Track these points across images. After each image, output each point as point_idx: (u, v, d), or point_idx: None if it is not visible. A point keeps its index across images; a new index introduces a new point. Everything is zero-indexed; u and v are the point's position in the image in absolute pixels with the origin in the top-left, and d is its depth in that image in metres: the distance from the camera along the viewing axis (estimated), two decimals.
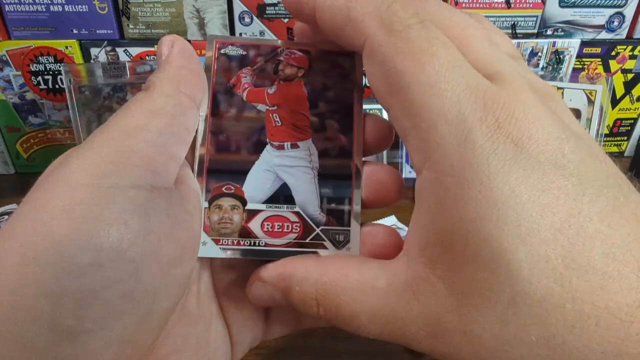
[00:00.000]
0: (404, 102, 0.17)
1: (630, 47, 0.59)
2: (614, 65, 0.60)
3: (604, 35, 0.59)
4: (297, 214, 0.22)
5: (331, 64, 0.21)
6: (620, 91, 0.62)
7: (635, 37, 0.59)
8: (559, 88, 0.57)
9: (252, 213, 0.21)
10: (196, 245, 0.20)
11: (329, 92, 0.22)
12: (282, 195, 0.22)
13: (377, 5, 0.17)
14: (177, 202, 0.19)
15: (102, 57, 0.56)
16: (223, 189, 0.21)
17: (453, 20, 0.18)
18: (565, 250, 0.15)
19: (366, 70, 0.18)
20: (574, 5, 0.57)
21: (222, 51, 0.22)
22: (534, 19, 0.58)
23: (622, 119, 0.64)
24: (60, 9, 0.54)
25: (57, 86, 0.57)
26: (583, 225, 0.15)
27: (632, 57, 0.60)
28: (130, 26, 0.56)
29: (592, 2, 0.57)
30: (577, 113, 0.57)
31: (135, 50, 0.56)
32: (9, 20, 0.54)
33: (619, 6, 0.57)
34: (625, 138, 0.66)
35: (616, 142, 0.66)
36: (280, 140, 0.22)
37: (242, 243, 0.21)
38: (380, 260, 0.19)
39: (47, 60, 0.56)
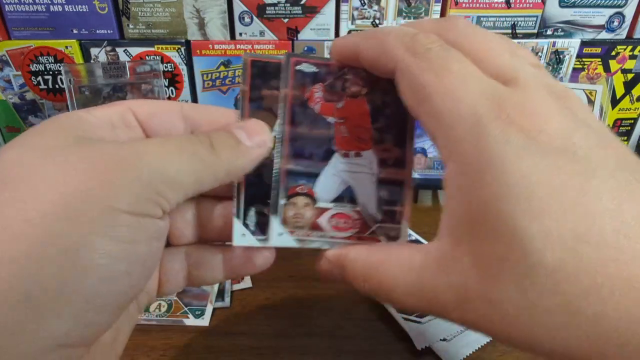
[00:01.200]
0: (428, 110, 0.20)
1: (630, 47, 0.59)
2: (614, 65, 0.60)
3: (604, 35, 0.59)
4: (358, 212, 0.25)
5: (389, 85, 0.23)
6: (620, 91, 0.62)
7: (635, 37, 0.59)
8: None
9: (321, 210, 0.25)
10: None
11: (387, 109, 0.25)
12: (346, 196, 0.25)
13: (404, 37, 0.21)
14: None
15: (102, 57, 0.56)
16: (297, 189, 0.25)
17: (475, 40, 0.21)
18: (576, 226, 0.16)
19: (399, 88, 0.22)
20: (574, 5, 0.57)
21: (297, 68, 0.25)
22: (534, 19, 0.58)
23: (622, 119, 0.64)
24: (60, 9, 0.54)
25: (57, 86, 0.57)
26: (592, 204, 0.17)
27: (632, 57, 0.60)
28: (130, 26, 0.56)
29: (592, 2, 0.57)
30: None
31: (135, 50, 0.56)
32: (9, 20, 0.54)
33: (619, 6, 0.57)
34: (626, 138, 0.66)
35: None
36: (347, 149, 0.25)
37: (312, 235, 0.25)
38: (417, 244, 0.22)
39: (47, 60, 0.56)
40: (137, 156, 0.19)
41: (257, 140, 0.23)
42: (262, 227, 0.25)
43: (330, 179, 0.25)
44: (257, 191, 0.25)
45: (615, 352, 0.16)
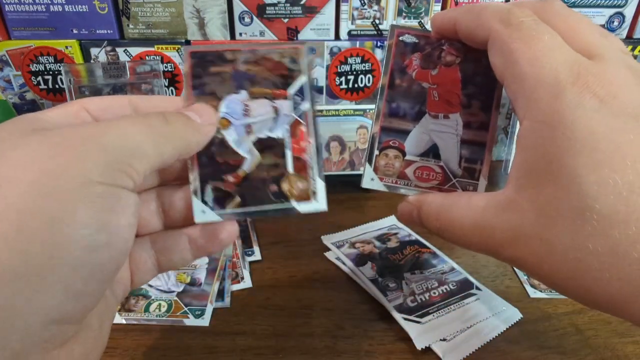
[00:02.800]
0: (514, 73, 0.22)
1: (630, 47, 0.59)
2: None
3: None
4: (441, 167, 0.29)
5: (481, 55, 0.26)
6: None
7: (635, 37, 0.59)
8: None
9: (409, 162, 0.29)
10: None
11: (477, 78, 0.28)
12: (432, 152, 0.29)
13: (499, 11, 0.23)
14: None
15: (102, 57, 0.56)
16: (390, 142, 0.29)
17: (569, 19, 0.23)
18: (632, 179, 0.18)
19: (489, 55, 0.24)
20: (574, 5, 0.57)
21: (400, 38, 0.29)
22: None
23: None
24: (60, 9, 0.54)
25: (57, 86, 0.57)
26: None
27: (632, 57, 0.60)
28: (130, 26, 0.56)
29: (592, 2, 0.57)
30: None
31: (135, 50, 0.56)
32: (9, 20, 0.54)
33: (619, 6, 0.57)
34: None
35: None
36: (436, 111, 0.29)
37: (399, 183, 0.29)
38: (486, 193, 0.25)
39: (47, 60, 0.56)
40: (98, 132, 0.20)
41: (205, 118, 0.25)
42: (220, 202, 0.26)
43: (419, 137, 0.29)
44: (212, 169, 0.26)
45: None
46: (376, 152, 0.29)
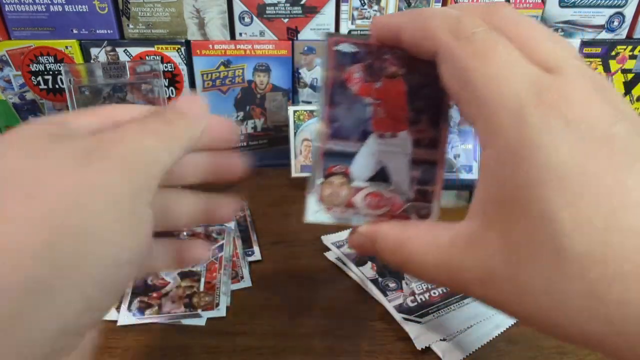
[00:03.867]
0: (470, 94, 0.20)
1: (630, 47, 0.59)
2: (614, 65, 0.60)
3: (604, 35, 0.59)
4: (392, 191, 0.26)
5: (427, 66, 0.24)
6: (620, 91, 0.62)
7: (635, 37, 0.59)
8: None
9: (356, 189, 0.26)
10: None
11: (424, 90, 0.25)
12: (381, 176, 0.26)
13: (448, 20, 0.21)
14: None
15: (102, 57, 0.56)
16: (334, 169, 0.26)
17: (519, 26, 0.21)
18: (608, 214, 0.17)
19: (441, 72, 0.22)
20: (574, 5, 0.57)
21: (336, 48, 0.25)
22: (534, 19, 0.58)
23: None
24: (60, 9, 0.54)
25: (57, 86, 0.57)
26: (627, 194, 0.17)
27: (632, 57, 0.60)
28: (130, 26, 0.56)
29: (592, 2, 0.57)
30: None
31: (135, 50, 0.56)
32: (9, 20, 0.54)
33: (619, 6, 0.57)
34: None
35: None
36: (383, 130, 0.26)
37: (346, 213, 0.26)
38: (447, 223, 0.23)
39: (47, 60, 0.56)
40: (118, 142, 0.20)
41: (195, 108, 0.24)
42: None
43: (365, 159, 0.26)
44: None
45: (636, 339, 0.17)
46: (319, 180, 0.26)
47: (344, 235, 0.50)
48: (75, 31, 0.55)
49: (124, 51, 0.56)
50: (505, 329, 0.38)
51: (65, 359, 0.20)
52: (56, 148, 0.19)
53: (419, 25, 0.22)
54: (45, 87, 0.57)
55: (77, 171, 0.18)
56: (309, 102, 0.62)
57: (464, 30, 0.20)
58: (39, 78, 0.57)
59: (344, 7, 0.56)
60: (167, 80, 0.58)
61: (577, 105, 0.18)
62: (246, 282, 0.44)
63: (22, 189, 0.17)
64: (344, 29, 0.57)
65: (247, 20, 0.56)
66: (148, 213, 0.20)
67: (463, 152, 0.57)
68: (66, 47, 0.55)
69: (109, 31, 0.55)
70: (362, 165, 0.26)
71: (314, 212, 0.26)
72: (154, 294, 0.39)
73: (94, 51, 0.56)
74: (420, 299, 0.41)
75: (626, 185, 0.17)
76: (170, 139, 0.22)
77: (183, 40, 0.57)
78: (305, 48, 0.58)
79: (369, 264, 0.45)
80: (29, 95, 0.57)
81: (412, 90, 0.25)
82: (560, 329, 0.18)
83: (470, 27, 0.20)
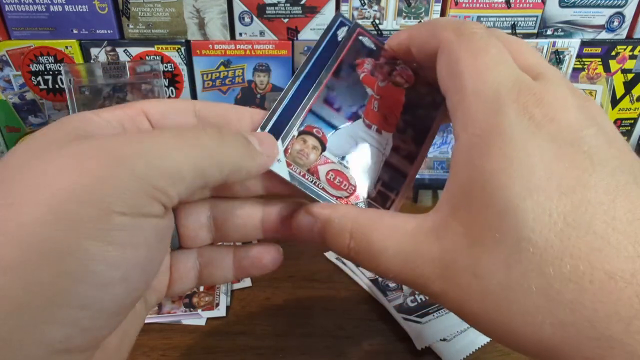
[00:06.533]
0: (456, 84, 0.21)
1: (630, 47, 0.59)
2: (614, 65, 0.60)
3: (604, 35, 0.59)
4: (357, 179, 0.26)
5: (429, 91, 0.26)
6: (620, 91, 0.62)
7: (635, 37, 0.59)
8: None
9: (325, 160, 0.26)
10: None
11: (419, 110, 0.27)
12: (353, 160, 0.26)
13: (454, 22, 0.23)
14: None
15: (102, 57, 0.56)
16: (314, 130, 0.26)
17: (512, 41, 0.23)
18: (568, 210, 0.17)
19: (437, 64, 0.23)
20: (574, 5, 0.57)
21: (359, 37, 0.27)
22: (534, 19, 0.58)
23: (622, 119, 0.64)
24: (60, 9, 0.54)
25: (57, 86, 0.57)
26: (588, 194, 0.17)
27: (632, 57, 0.60)
28: (130, 26, 0.56)
29: (592, 2, 0.57)
30: None
31: (135, 50, 0.56)
32: (9, 20, 0.54)
33: (619, 6, 0.57)
34: (626, 138, 0.66)
35: None
36: (372, 121, 0.27)
37: (306, 177, 0.25)
38: (414, 215, 0.22)
39: (47, 60, 0.56)
40: (131, 149, 0.18)
41: (266, 149, 0.23)
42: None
43: (346, 138, 0.26)
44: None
45: (587, 345, 0.16)
46: (295, 132, 0.25)
47: None
48: (75, 31, 0.55)
49: (124, 51, 0.56)
50: None
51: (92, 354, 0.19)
52: (64, 150, 0.18)
53: (428, 26, 0.24)
54: (45, 87, 0.57)
55: (71, 179, 0.17)
56: None
57: (465, 29, 0.22)
58: (39, 78, 0.57)
59: (344, 7, 0.56)
60: (167, 80, 0.58)
61: (552, 108, 0.19)
62: (246, 282, 0.44)
63: (13, 195, 0.16)
64: None
65: (247, 20, 0.56)
66: (152, 226, 0.19)
67: None
68: (66, 47, 0.55)
69: (109, 31, 0.55)
70: (340, 141, 0.26)
71: (277, 160, 0.25)
72: None
73: (94, 51, 0.56)
74: (420, 299, 0.41)
75: (586, 186, 0.17)
76: (211, 158, 0.20)
77: (183, 40, 0.57)
78: (306, 48, 0.58)
79: None
80: (29, 95, 0.57)
81: (409, 104, 0.27)
82: (513, 334, 0.18)
83: (472, 27, 0.22)
